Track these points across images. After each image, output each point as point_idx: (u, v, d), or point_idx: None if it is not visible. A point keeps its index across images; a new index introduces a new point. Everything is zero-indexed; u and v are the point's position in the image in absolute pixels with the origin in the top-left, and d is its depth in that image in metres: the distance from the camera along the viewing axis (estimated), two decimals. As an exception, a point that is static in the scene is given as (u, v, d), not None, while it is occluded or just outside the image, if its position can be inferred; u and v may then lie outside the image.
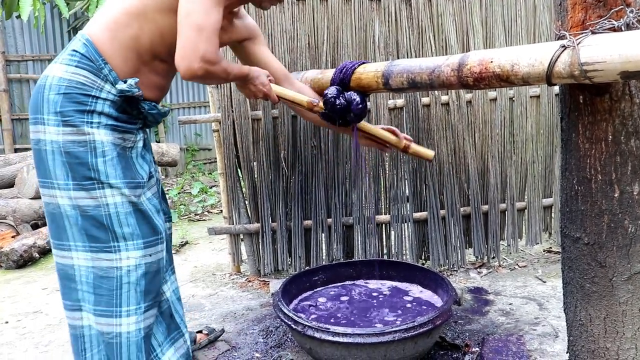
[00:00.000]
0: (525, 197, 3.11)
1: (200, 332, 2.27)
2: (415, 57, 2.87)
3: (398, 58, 2.85)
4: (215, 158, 2.99)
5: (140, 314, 1.66)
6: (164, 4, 1.61)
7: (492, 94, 2.95)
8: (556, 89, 2.94)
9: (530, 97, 3.02)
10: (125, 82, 1.62)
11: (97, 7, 4.61)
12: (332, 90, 1.90)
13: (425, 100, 2.90)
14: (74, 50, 1.60)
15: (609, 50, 1.08)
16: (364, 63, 1.93)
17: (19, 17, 4.55)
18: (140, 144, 1.75)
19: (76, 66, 1.58)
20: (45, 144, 1.59)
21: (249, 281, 3.03)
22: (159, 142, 7.62)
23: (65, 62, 1.60)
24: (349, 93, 1.90)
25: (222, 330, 2.33)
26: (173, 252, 3.71)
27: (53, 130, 1.57)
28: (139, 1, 1.61)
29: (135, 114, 1.70)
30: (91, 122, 1.58)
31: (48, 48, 6.98)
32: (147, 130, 1.87)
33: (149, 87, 1.71)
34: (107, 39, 1.60)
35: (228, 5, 1.73)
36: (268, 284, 2.93)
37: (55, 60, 1.65)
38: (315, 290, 2.45)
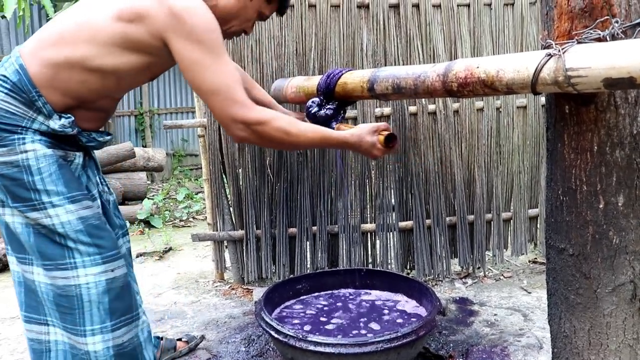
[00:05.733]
0: (511, 207, 3.11)
1: (180, 339, 2.23)
2: (403, 65, 2.86)
3: (385, 66, 2.84)
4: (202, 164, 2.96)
5: (107, 332, 1.53)
6: (115, 44, 1.44)
7: (479, 103, 2.96)
8: (543, 99, 2.95)
9: (517, 107, 3.02)
10: (59, 118, 1.48)
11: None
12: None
13: (413, 108, 2.89)
14: (5, 77, 1.44)
15: (593, 58, 1.07)
16: (350, 70, 1.92)
17: (4, 17, 4.50)
18: (79, 161, 1.60)
19: (6, 94, 1.44)
20: None
21: (233, 289, 2.98)
22: (145, 147, 7.56)
23: None
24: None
25: (202, 337, 2.30)
26: (156, 258, 3.70)
27: None
28: (80, 51, 1.44)
29: (71, 143, 1.56)
30: (24, 141, 1.45)
31: (35, 49, 6.90)
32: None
33: (90, 120, 1.58)
34: (44, 75, 1.45)
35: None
36: (251, 291, 2.89)
37: None
38: (298, 298, 2.42)
